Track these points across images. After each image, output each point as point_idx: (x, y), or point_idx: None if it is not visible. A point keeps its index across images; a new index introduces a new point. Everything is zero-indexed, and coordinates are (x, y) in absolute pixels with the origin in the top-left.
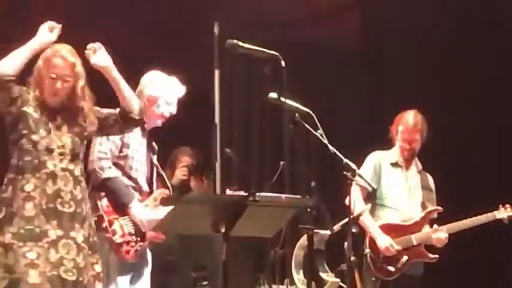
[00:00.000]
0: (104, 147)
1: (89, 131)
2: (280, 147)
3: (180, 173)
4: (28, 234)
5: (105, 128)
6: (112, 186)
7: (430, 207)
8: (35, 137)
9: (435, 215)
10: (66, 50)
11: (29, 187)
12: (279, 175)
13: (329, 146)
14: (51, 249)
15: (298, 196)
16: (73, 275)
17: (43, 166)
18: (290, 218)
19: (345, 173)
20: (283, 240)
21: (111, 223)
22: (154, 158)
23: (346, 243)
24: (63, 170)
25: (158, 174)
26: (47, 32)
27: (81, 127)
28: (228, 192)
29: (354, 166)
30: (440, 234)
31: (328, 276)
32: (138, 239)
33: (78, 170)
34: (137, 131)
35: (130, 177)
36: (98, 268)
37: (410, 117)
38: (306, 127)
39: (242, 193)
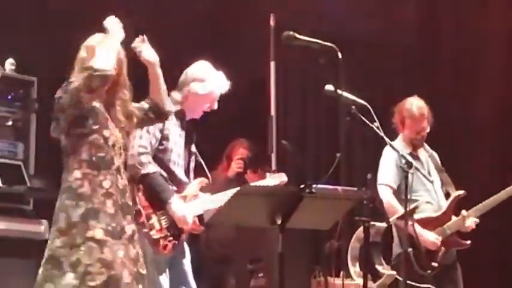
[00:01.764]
0: (144, 141)
1: (129, 125)
2: (336, 139)
3: (236, 166)
4: (113, 231)
5: (139, 122)
6: (151, 182)
7: (454, 194)
8: (106, 133)
9: None
10: None
11: (106, 184)
12: (335, 167)
13: (385, 138)
14: (129, 245)
15: (355, 188)
16: (145, 269)
17: (112, 161)
18: (346, 210)
19: (400, 165)
20: (339, 232)
21: (148, 217)
22: (193, 146)
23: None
24: (122, 164)
25: (197, 162)
26: (120, 29)
27: (123, 121)
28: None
29: (410, 158)
30: (471, 221)
31: (384, 269)
32: (176, 232)
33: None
34: (175, 122)
35: (169, 171)
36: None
37: (414, 107)
38: (363, 119)
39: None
